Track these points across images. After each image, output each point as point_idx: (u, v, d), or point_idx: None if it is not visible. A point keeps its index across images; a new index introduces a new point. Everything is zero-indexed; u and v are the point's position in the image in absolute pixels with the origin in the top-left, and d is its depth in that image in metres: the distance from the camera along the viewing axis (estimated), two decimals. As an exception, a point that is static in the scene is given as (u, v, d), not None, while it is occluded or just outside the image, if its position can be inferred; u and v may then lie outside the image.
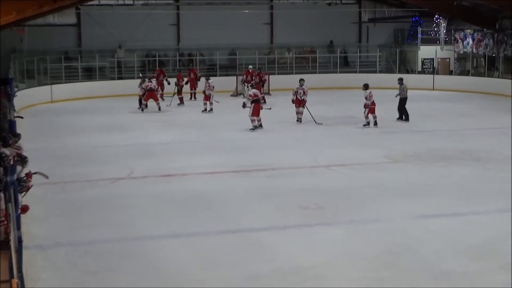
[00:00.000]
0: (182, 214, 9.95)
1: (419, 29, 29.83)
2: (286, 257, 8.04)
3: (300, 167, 13.11)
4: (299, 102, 18.38)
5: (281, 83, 26.04)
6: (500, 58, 26.60)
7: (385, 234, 8.86)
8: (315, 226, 9.26)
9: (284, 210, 10.03)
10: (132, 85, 22.65)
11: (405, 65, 30.51)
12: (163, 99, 22.48)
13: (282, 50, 29.87)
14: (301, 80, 18.77)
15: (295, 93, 18.44)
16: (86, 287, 7.33)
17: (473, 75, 28.23)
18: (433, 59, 29.40)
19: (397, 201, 10.44)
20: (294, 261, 7.92)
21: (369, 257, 8.00)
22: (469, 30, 28.11)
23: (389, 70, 30.15)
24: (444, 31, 29.19)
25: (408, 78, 28.31)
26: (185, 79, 23.76)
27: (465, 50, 28.11)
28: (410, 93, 25.11)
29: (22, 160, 9.08)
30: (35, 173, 8.99)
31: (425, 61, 29.69)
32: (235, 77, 25.97)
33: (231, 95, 25.02)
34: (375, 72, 29.42)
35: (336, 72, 28.76)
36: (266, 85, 25.28)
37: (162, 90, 23.17)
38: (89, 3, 26.25)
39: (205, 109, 20.77)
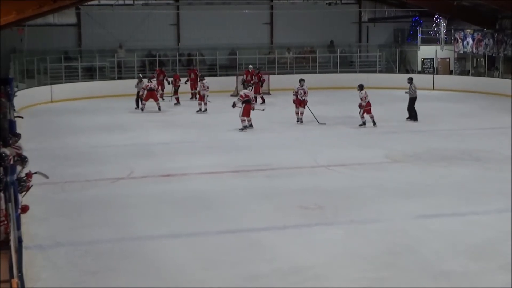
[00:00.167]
0: (182, 214, 9.95)
1: (419, 29, 29.83)
2: (286, 257, 8.04)
3: (300, 167, 13.11)
4: (300, 103, 18.37)
5: (281, 83, 26.06)
6: (500, 58, 26.61)
7: (385, 234, 8.86)
8: (315, 226, 9.26)
9: (284, 210, 10.03)
10: (133, 85, 22.65)
11: (405, 65, 30.51)
12: (163, 99, 22.51)
13: (282, 50, 29.87)
14: (302, 80, 18.76)
15: (296, 93, 18.42)
16: (86, 287, 7.33)
17: (473, 75, 28.23)
18: (433, 59, 29.41)
19: (397, 201, 10.43)
20: (294, 261, 7.92)
21: (369, 257, 7.99)
22: (469, 30, 28.11)
23: (389, 70, 30.16)
24: (444, 31, 29.19)
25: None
26: (184, 79, 23.79)
27: (465, 50, 28.11)
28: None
29: (22, 160, 9.08)
30: (35, 173, 9.00)
31: (425, 61, 29.70)
32: (235, 77, 25.96)
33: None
34: (375, 72, 29.45)
35: (336, 72, 28.76)
36: (266, 85, 25.30)
37: (162, 90, 23.21)
38: (89, 3, 26.25)
39: (200, 109, 20.78)
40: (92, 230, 9.16)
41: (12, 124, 13.34)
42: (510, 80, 24.70)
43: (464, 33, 28.12)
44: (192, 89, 24.15)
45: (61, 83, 25.38)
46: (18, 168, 8.60)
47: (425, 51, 29.58)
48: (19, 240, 7.30)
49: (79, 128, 18.21)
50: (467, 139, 16.10)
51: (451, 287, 7.24)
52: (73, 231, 9.17)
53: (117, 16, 27.51)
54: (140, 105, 21.48)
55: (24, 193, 8.43)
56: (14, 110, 16.91)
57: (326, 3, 29.61)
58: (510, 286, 7.11)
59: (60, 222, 9.58)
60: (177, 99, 22.95)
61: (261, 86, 23.82)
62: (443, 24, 29.25)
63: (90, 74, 26.98)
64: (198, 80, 23.70)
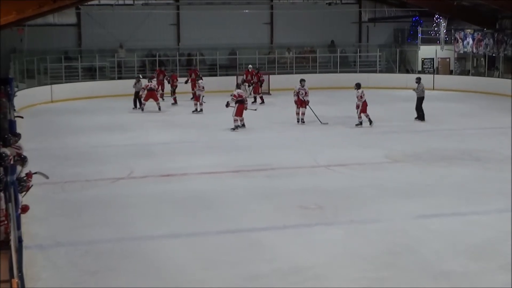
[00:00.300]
0: (182, 214, 9.95)
1: (419, 29, 29.84)
2: (286, 257, 8.04)
3: (300, 167, 13.11)
4: (301, 103, 18.31)
5: (281, 83, 26.06)
6: (500, 58, 26.61)
7: (385, 234, 8.86)
8: (315, 226, 9.26)
9: (284, 210, 10.03)
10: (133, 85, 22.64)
11: (405, 65, 30.52)
12: (163, 99, 22.56)
13: (282, 50, 29.87)
14: (302, 80, 18.71)
15: (297, 93, 18.35)
16: (86, 287, 7.33)
17: (473, 75, 28.23)
18: (433, 59, 29.41)
19: (397, 201, 10.43)
20: (294, 261, 7.92)
21: (369, 257, 7.99)
22: (469, 30, 28.10)
23: (389, 70, 30.17)
24: (444, 31, 29.19)
25: (408, 78, 28.42)
26: (183, 79, 23.79)
27: (465, 50, 28.11)
28: (410, 93, 25.07)
29: (22, 160, 9.09)
30: (35, 173, 9.00)
31: (425, 61, 29.71)
32: (235, 77, 25.96)
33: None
34: (375, 72, 29.46)
35: (336, 72, 28.76)
36: (266, 85, 25.31)
37: (163, 90, 23.23)
38: (89, 3, 26.24)
39: (196, 110, 20.79)
40: (92, 230, 9.16)
41: (12, 124, 13.34)
42: (510, 80, 24.69)
43: (464, 33, 28.12)
44: (193, 89, 24.13)
45: (61, 83, 25.40)
46: (18, 168, 8.61)
47: (425, 51, 29.58)
48: (19, 240, 7.30)
49: (79, 128, 18.22)
50: (467, 139, 16.10)
51: (451, 287, 7.24)
52: (73, 231, 9.17)
53: (117, 16, 27.51)
54: (140, 105, 21.50)
55: (24, 193, 8.43)
56: (14, 110, 16.91)
57: (326, 3, 29.61)
58: (510, 286, 7.11)
59: (60, 222, 9.58)
60: (175, 99, 22.98)
61: (261, 86, 23.81)
62: (443, 24, 29.25)
63: (90, 74, 26.99)
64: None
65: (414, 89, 19.16)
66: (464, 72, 28.96)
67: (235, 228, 9.19)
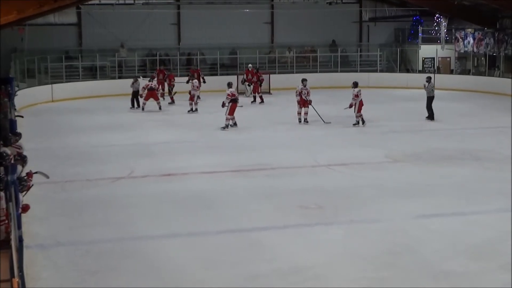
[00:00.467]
0: (182, 214, 9.96)
1: (420, 28, 29.83)
2: (286, 257, 8.05)
3: (301, 166, 13.12)
4: (304, 103, 18.22)
5: (282, 83, 26.07)
6: (501, 57, 26.59)
7: (385, 234, 8.87)
8: (315, 226, 9.27)
9: (284, 210, 10.04)
10: (133, 85, 22.67)
11: (405, 65, 30.51)
12: (163, 98, 22.58)
13: (282, 49, 29.85)
14: (304, 80, 18.59)
15: (300, 93, 18.23)
16: (86, 287, 7.34)
17: (473, 74, 28.19)
18: (433, 58, 29.40)
19: (397, 201, 10.44)
20: (294, 261, 7.93)
21: (369, 257, 8.00)
22: (470, 29, 28.10)
23: (389, 69, 30.16)
24: (445, 30, 29.16)
25: (409, 78, 28.44)
26: (185, 79, 23.80)
27: (466, 49, 28.10)
28: (410, 92, 25.15)
29: (22, 159, 9.11)
30: (35, 172, 9.02)
31: (425, 60, 29.70)
32: (235, 76, 25.95)
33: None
34: (375, 71, 29.45)
35: (336, 72, 28.76)
36: (267, 84, 25.32)
37: (163, 90, 23.25)
38: (90, 2, 26.27)
39: (191, 109, 20.80)
40: (92, 230, 9.18)
41: (13, 123, 13.38)
42: (510, 80, 24.67)
43: (465, 32, 28.12)
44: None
45: (62, 82, 25.40)
46: (19, 167, 8.62)
47: (426, 51, 29.57)
48: (20, 240, 7.32)
49: (80, 127, 18.23)
50: (467, 138, 16.11)
51: (451, 287, 7.25)
52: (73, 230, 9.19)
53: (118, 15, 27.51)
54: (138, 105, 21.55)
55: (24, 192, 8.45)
56: (15, 109, 16.95)
57: (327, 3, 29.59)
58: (510, 286, 7.12)
59: (61, 222, 9.59)
60: (172, 98, 23.01)
61: (260, 85, 23.81)
62: (443, 23, 29.22)
63: (91, 73, 27.00)
64: (201, 80, 23.79)
65: (425, 87, 19.17)
66: (465, 72, 28.94)
67: (235, 228, 9.20)
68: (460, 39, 28.31)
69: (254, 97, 23.46)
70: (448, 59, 29.67)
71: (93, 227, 9.30)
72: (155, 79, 22.82)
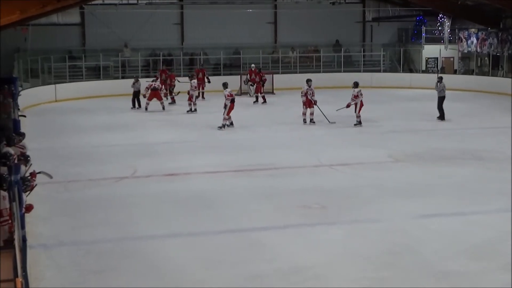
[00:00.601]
0: (183, 213, 10.00)
1: (423, 28, 29.81)
2: (286, 257, 8.07)
3: (302, 166, 13.15)
4: (310, 103, 18.17)
5: (285, 83, 26.11)
6: (505, 57, 26.57)
7: (386, 234, 8.88)
8: (315, 226, 9.29)
9: (285, 210, 10.06)
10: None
11: (409, 65, 30.51)
12: (166, 98, 22.66)
13: (286, 49, 29.87)
14: (309, 80, 18.46)
15: (305, 94, 18.11)
16: (88, 286, 7.39)
17: (477, 74, 28.15)
18: (437, 58, 29.39)
19: (397, 201, 10.45)
20: (294, 261, 7.95)
21: (369, 257, 8.02)
22: (473, 29, 28.08)
23: (393, 69, 30.16)
24: (448, 30, 29.16)
25: (412, 78, 28.43)
26: (184, 79, 23.90)
27: (469, 49, 28.07)
28: (414, 92, 25.11)
29: (25, 159, 9.18)
30: (39, 172, 9.10)
31: (429, 60, 29.69)
32: (239, 76, 26.01)
33: (235, 95, 25.00)
34: (379, 71, 29.45)
35: (340, 72, 28.77)
36: (270, 84, 25.34)
37: (166, 89, 23.30)
38: (93, 2, 26.34)
39: (190, 109, 20.84)
40: (95, 230, 9.22)
41: (16, 123, 13.46)
42: (510, 80, 24.65)
43: (468, 32, 28.09)
44: (199, 89, 24.23)
45: (65, 82, 25.49)
46: (23, 167, 8.69)
47: (429, 51, 29.56)
48: (24, 239, 7.40)
49: (83, 127, 18.29)
50: (468, 138, 16.11)
51: (451, 287, 7.26)
52: (76, 230, 9.22)
53: (121, 15, 27.57)
54: (139, 105, 21.63)
55: (28, 192, 8.52)
56: (18, 109, 17.03)
57: (330, 3, 29.57)
58: (510, 286, 7.13)
59: (64, 222, 9.63)
60: (172, 98, 23.06)
61: (263, 85, 23.85)
62: (447, 23, 29.21)
63: (94, 73, 27.08)
64: (205, 80, 23.85)
65: (436, 86, 19.18)
66: (468, 72, 28.91)
67: (236, 228, 9.23)
68: (464, 39, 28.28)
69: (256, 97, 23.49)
70: (452, 59, 29.65)
71: (95, 227, 9.34)
72: (159, 79, 22.92)
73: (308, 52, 30.20)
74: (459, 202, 10.43)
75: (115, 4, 27.57)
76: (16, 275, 5.13)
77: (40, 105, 22.59)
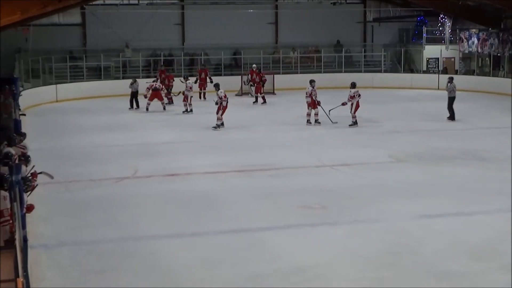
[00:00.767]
0: (184, 213, 10.01)
1: (424, 29, 29.83)
2: (287, 257, 8.09)
3: (302, 166, 13.16)
4: (315, 104, 18.07)
5: (286, 83, 26.13)
6: (505, 58, 26.56)
7: (386, 234, 8.89)
8: (316, 226, 9.29)
9: (286, 210, 10.07)
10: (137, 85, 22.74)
11: (410, 65, 30.52)
12: (167, 98, 22.68)
13: (287, 49, 29.90)
14: (312, 81, 18.36)
15: (310, 95, 17.99)
16: (89, 287, 7.40)
17: (478, 74, 28.17)
18: (438, 58, 29.39)
19: (397, 201, 10.46)
20: (295, 261, 7.96)
21: (370, 257, 8.03)
22: (474, 30, 28.08)
23: (394, 69, 30.18)
24: (449, 31, 29.17)
25: (413, 78, 28.44)
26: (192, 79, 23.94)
27: (470, 49, 28.08)
28: (415, 93, 25.09)
29: (26, 159, 9.20)
30: (40, 173, 9.11)
31: (430, 60, 29.70)
32: (239, 76, 26.03)
33: (236, 95, 25.06)
34: (380, 71, 29.47)
35: (341, 72, 28.78)
36: (271, 84, 25.34)
37: (167, 90, 23.31)
38: (94, 2, 26.35)
39: (186, 110, 20.84)
40: (96, 230, 9.24)
41: (17, 123, 13.50)
42: (510, 80, 24.64)
43: (469, 32, 28.10)
44: (200, 89, 24.29)
45: (66, 82, 25.53)
46: (24, 167, 8.71)
47: (430, 51, 29.58)
48: (25, 239, 7.40)
49: (84, 127, 18.31)
50: (468, 138, 16.12)
51: (452, 287, 7.27)
52: (77, 230, 9.24)
53: (122, 15, 27.62)
54: (137, 105, 21.71)
55: (29, 192, 8.54)
56: (19, 109, 17.07)
57: (331, 3, 29.60)
58: (510, 287, 7.13)
59: (64, 222, 9.65)
60: (170, 99, 23.07)
61: (263, 86, 23.86)
62: (448, 23, 29.23)
63: (95, 73, 27.12)
64: (208, 80, 23.86)
65: (447, 87, 19.16)
66: (469, 72, 28.92)
67: (236, 228, 9.24)
68: (465, 40, 28.29)
69: (256, 98, 23.49)
70: (453, 59, 29.65)
71: (96, 227, 9.36)
72: (159, 79, 22.96)
73: (309, 52, 30.21)
74: (459, 202, 10.44)
75: (116, 5, 27.60)
76: (17, 275, 5.13)
77: (41, 105, 22.62)
